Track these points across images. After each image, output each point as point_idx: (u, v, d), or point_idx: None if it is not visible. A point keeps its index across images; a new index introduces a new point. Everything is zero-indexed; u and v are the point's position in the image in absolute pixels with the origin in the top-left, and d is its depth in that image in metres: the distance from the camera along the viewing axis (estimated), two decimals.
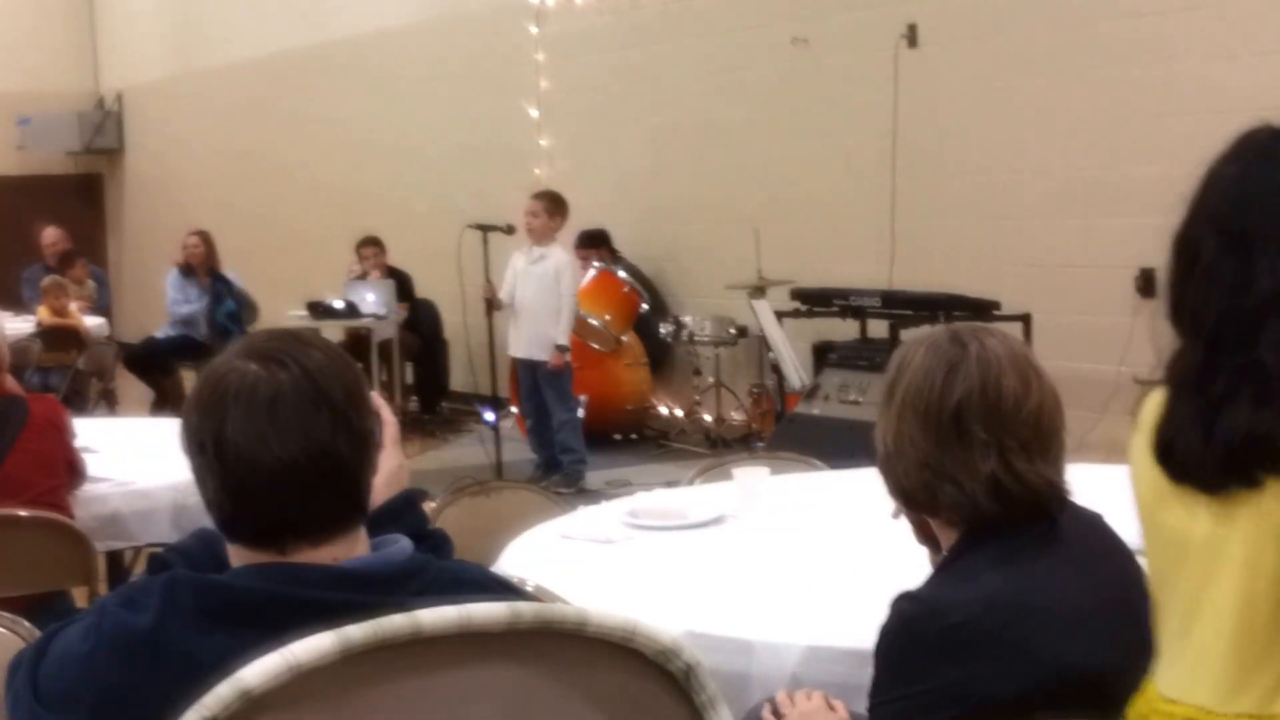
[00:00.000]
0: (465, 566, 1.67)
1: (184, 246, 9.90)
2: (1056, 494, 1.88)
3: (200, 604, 1.44)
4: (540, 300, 7.25)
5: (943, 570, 1.89)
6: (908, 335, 6.22)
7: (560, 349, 7.25)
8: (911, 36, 7.42)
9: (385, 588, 1.48)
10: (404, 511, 1.78)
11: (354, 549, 1.54)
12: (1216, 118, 6.21)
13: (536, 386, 7.37)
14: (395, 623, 1.33)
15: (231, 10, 12.88)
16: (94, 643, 1.46)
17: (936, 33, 7.35)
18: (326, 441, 1.49)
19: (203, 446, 1.51)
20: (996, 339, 1.90)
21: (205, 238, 9.90)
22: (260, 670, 1.29)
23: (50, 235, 10.47)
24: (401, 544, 1.57)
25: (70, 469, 3.59)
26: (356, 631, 1.31)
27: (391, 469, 1.78)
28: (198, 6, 13.47)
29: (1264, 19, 6.08)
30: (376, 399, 1.63)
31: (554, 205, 7.38)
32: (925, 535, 1.97)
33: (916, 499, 1.90)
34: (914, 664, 1.76)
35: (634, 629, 1.42)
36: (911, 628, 1.77)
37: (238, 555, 1.54)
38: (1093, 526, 1.94)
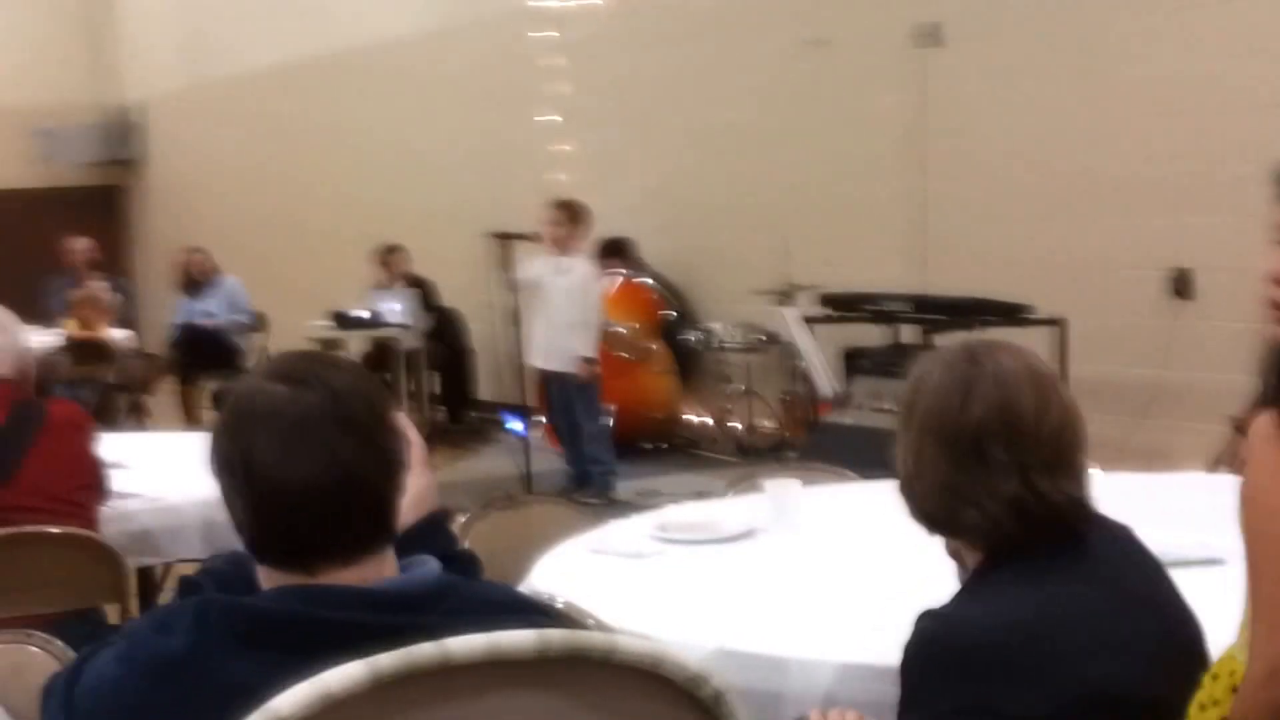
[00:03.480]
0: (494, 587, 1.68)
1: (189, 263, 10.15)
2: (1081, 510, 1.86)
3: (231, 627, 1.45)
4: (568, 312, 7.24)
5: (967, 589, 1.88)
6: (941, 341, 6.19)
7: (587, 361, 7.24)
8: (936, 35, 7.38)
9: (414, 609, 1.49)
10: (432, 532, 1.79)
11: (382, 570, 1.55)
12: (1249, 114, 6.17)
13: (567, 400, 7.36)
14: (425, 651, 1.34)
15: (250, 19, 12.94)
16: (127, 667, 1.47)
17: (961, 31, 7.32)
18: (353, 463, 1.50)
19: (230, 468, 1.53)
20: (1012, 355, 1.88)
21: (206, 251, 10.38)
22: (293, 699, 1.31)
23: (80, 244, 10.57)
24: (430, 565, 1.58)
25: (94, 473, 3.59)
26: (387, 660, 1.33)
27: (419, 489, 1.78)
28: (216, 16, 13.54)
29: None
30: (402, 419, 1.63)
31: (575, 214, 7.37)
32: (955, 552, 1.95)
33: (938, 522, 1.89)
34: (936, 683, 1.75)
35: (662, 657, 1.42)
36: (934, 646, 1.77)
37: (267, 577, 1.55)
38: (1121, 540, 1.91)
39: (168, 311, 10.87)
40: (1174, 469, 4.19)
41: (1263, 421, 1.72)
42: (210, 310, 10.08)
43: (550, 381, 7.54)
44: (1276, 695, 1.65)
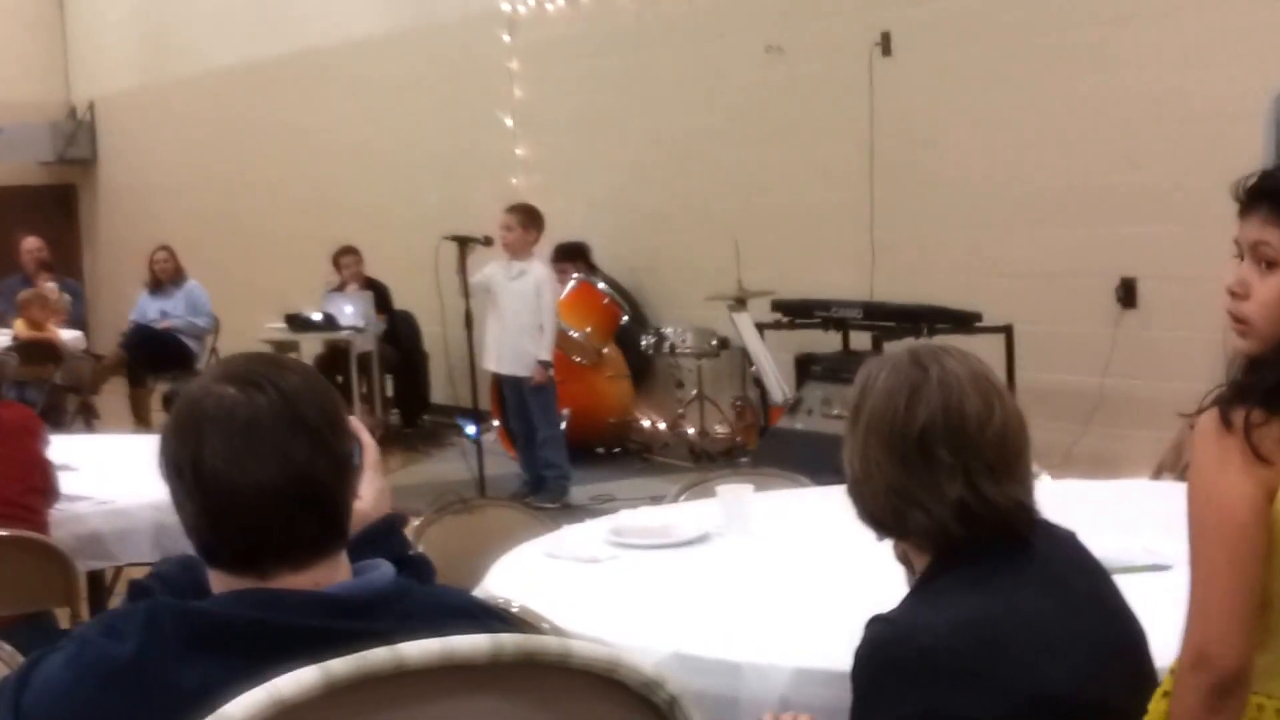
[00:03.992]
0: (448, 592, 1.68)
1: (153, 262, 10.03)
2: (1025, 515, 1.88)
3: (182, 631, 1.44)
4: (521, 316, 7.22)
5: (915, 593, 1.89)
6: (890, 347, 6.24)
7: (543, 364, 7.23)
8: (885, 45, 7.43)
9: (368, 613, 1.48)
10: (385, 536, 1.78)
11: (335, 574, 1.54)
12: (1190, 125, 6.26)
13: (524, 405, 7.35)
14: (378, 656, 1.33)
15: (203, 19, 12.85)
16: (76, 673, 1.45)
17: (910, 41, 7.37)
18: (305, 465, 1.49)
19: (180, 471, 1.51)
20: (957, 359, 1.90)
21: (172, 251, 10.22)
22: (244, 705, 1.30)
23: (31, 243, 10.47)
24: (383, 569, 1.57)
25: (44, 477, 3.56)
26: (340, 665, 1.32)
27: (372, 493, 1.78)
28: (169, 16, 13.43)
29: (1234, 26, 6.12)
30: (355, 422, 1.63)
31: (528, 218, 7.35)
32: (903, 556, 1.97)
33: (886, 524, 1.91)
34: (887, 688, 1.77)
35: (617, 661, 1.42)
36: (884, 651, 1.78)
37: (219, 581, 1.54)
38: (1065, 546, 1.93)
39: (119, 312, 10.76)
40: (1118, 475, 4.24)
41: (1206, 418, 1.77)
42: (168, 310, 10.01)
43: (505, 385, 7.52)
44: (1204, 679, 1.72)
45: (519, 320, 7.23)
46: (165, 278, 10.10)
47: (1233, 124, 5.99)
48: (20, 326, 9.03)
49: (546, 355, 7.25)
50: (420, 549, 2.91)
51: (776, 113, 8.12)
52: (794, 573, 2.79)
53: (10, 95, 14.37)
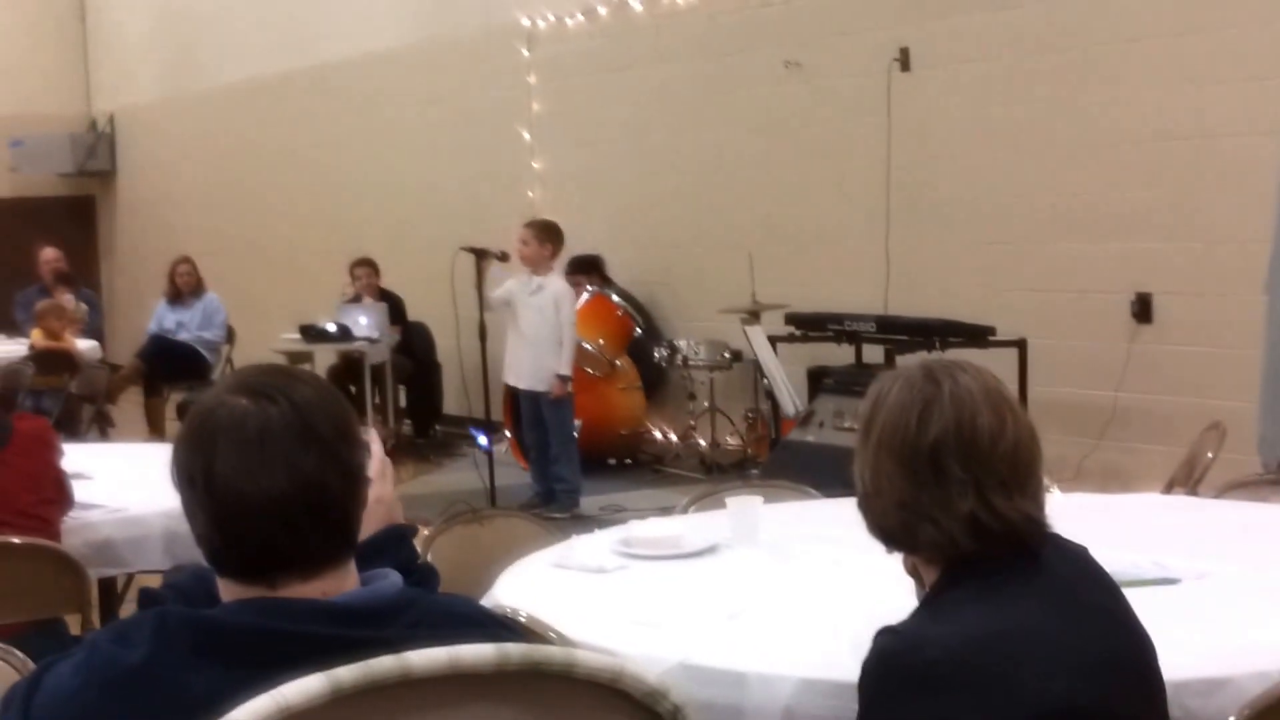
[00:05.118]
0: (455, 601, 1.68)
1: (174, 273, 10.09)
2: (1037, 529, 1.88)
3: (191, 640, 1.45)
4: (541, 331, 7.23)
5: (925, 606, 1.89)
6: (904, 361, 6.24)
7: (562, 379, 7.24)
8: (904, 60, 7.44)
9: (376, 623, 1.49)
10: (394, 545, 1.79)
11: (344, 583, 1.54)
12: (1208, 142, 6.25)
13: (539, 418, 7.35)
14: (385, 664, 1.33)
15: (223, 33, 12.91)
16: (85, 679, 1.46)
17: (929, 56, 7.38)
18: (315, 475, 1.50)
19: (192, 481, 1.52)
20: (970, 374, 1.90)
21: (194, 263, 10.28)
22: (250, 712, 1.30)
23: (49, 254, 10.55)
24: (391, 578, 1.58)
25: (58, 488, 3.58)
26: (346, 673, 1.32)
27: (381, 503, 1.78)
28: (190, 29, 13.50)
29: (1253, 44, 6.12)
30: (370, 433, 1.64)
31: (544, 233, 7.36)
32: (913, 569, 1.97)
33: (896, 538, 1.91)
34: (894, 700, 1.76)
35: (621, 671, 1.42)
36: (891, 663, 1.78)
37: (228, 590, 1.55)
38: (1077, 560, 1.93)
39: (136, 323, 10.81)
40: (1130, 490, 4.22)
41: None
42: (184, 321, 10.07)
43: (521, 398, 7.53)
44: None
45: (538, 335, 7.24)
46: (186, 289, 10.15)
47: (1247, 141, 5.99)
48: (37, 336, 9.09)
49: (565, 370, 7.26)
50: (430, 558, 2.92)
51: (794, 127, 8.14)
52: (801, 584, 2.79)
53: (31, 108, 14.48)
